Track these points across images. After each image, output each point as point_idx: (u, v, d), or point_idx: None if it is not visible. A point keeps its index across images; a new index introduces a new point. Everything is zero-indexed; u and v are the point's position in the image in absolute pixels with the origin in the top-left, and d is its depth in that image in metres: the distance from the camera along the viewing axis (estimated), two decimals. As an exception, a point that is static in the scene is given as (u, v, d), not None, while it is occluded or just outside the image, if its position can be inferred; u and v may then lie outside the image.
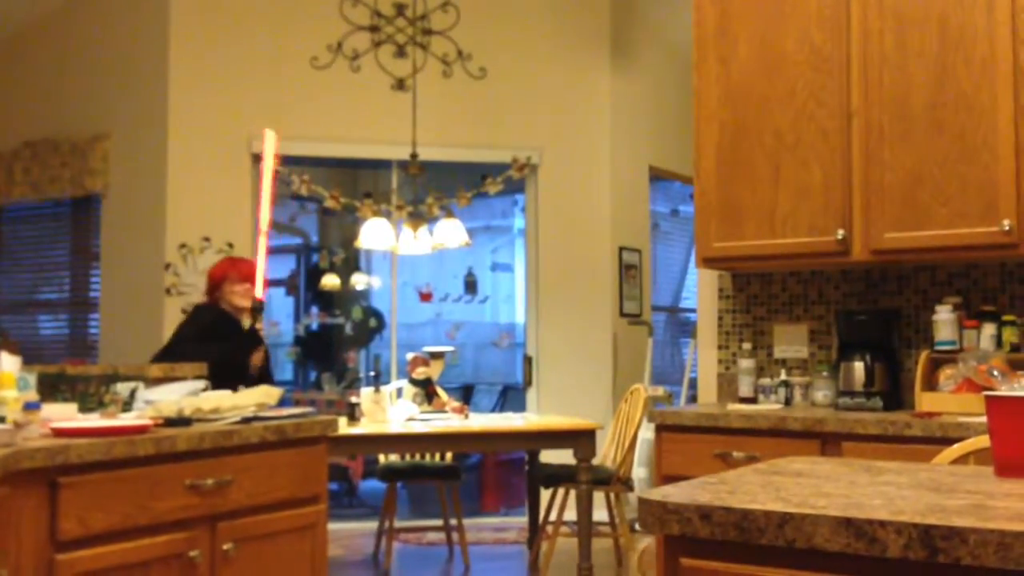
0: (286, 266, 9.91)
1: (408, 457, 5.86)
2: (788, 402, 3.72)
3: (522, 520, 6.58)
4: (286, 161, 6.51)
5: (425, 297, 8.76)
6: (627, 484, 5.33)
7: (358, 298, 9.25)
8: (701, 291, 4.14)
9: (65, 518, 2.32)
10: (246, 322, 4.60)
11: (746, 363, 3.84)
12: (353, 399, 5.06)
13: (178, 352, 4.36)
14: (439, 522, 6.06)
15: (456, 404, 5.45)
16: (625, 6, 7.37)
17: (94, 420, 2.68)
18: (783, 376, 3.76)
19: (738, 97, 3.65)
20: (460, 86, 6.07)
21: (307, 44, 6.02)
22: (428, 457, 5.95)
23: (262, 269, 3.92)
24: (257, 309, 4.46)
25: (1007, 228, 3.12)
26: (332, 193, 6.68)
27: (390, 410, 5.12)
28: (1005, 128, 3.15)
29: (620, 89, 7.28)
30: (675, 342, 8.97)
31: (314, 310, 9.38)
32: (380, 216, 5.86)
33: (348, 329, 8.85)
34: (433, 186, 6.61)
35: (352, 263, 9.20)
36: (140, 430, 2.58)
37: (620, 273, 7.25)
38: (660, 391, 6.91)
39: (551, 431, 5.07)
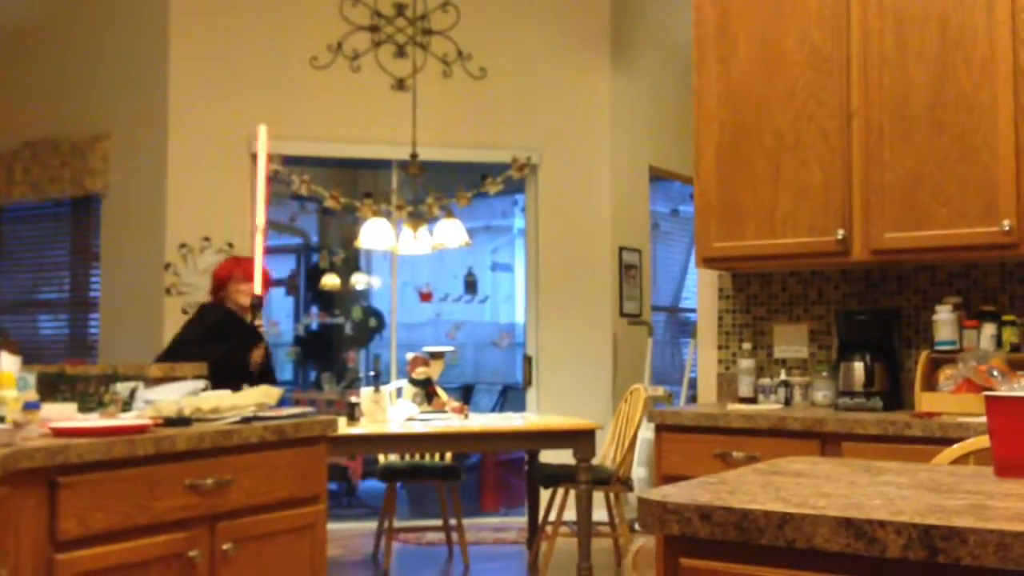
0: (286, 266, 9.91)
1: (408, 457, 5.86)
2: (788, 402, 3.72)
3: (522, 520, 6.58)
4: (287, 161, 6.52)
5: (425, 297, 8.76)
6: (627, 484, 5.33)
7: (358, 298, 9.25)
8: (701, 291, 4.14)
9: (65, 518, 2.32)
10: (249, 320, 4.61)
11: (746, 363, 3.84)
12: (353, 399, 5.06)
13: (182, 352, 4.38)
14: (439, 522, 6.05)
15: (456, 404, 5.45)
16: (625, 6, 7.37)
17: (94, 420, 2.68)
18: (783, 376, 3.76)
19: (738, 97, 3.65)
20: (460, 86, 6.07)
21: (307, 44, 6.02)
22: (428, 457, 5.95)
23: (260, 265, 3.92)
24: (256, 306, 4.46)
25: (1007, 228, 3.12)
26: (332, 193, 6.68)
27: (390, 410, 5.12)
28: (1005, 128, 3.15)
29: (620, 89, 7.28)
30: (675, 342, 8.97)
31: (314, 310, 9.38)
32: (380, 216, 5.86)
33: (348, 329, 8.85)
34: (433, 186, 6.61)
35: (352, 263, 9.20)
36: (140, 430, 2.58)
37: (620, 273, 7.25)
38: (660, 391, 6.91)
39: (551, 431, 5.07)
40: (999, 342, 3.31)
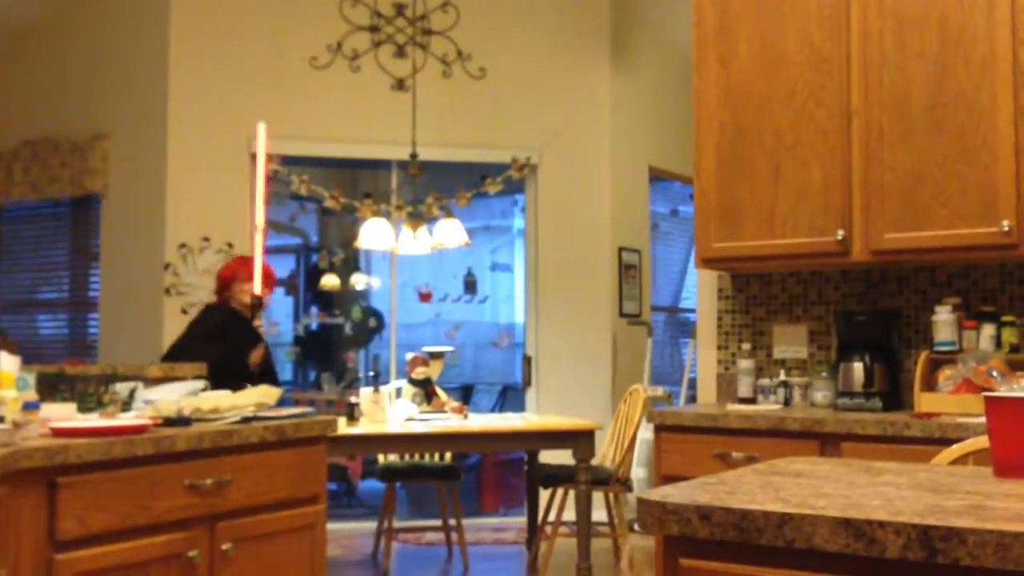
0: (286, 266, 9.91)
1: (407, 457, 5.86)
2: (787, 402, 3.72)
3: (521, 520, 6.58)
4: (286, 161, 6.52)
5: (424, 297, 8.76)
6: (626, 484, 5.33)
7: (358, 298, 9.25)
8: (700, 291, 4.14)
9: (64, 518, 2.32)
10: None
11: (745, 363, 3.84)
12: (352, 399, 5.06)
13: (188, 350, 4.39)
14: (438, 522, 6.05)
15: (455, 404, 5.45)
16: (625, 6, 7.37)
17: (93, 420, 2.68)
18: (782, 376, 3.76)
19: (738, 97, 3.65)
20: (460, 86, 6.07)
21: (307, 44, 6.02)
22: (427, 457, 5.95)
23: (259, 265, 3.93)
24: (256, 306, 4.47)
25: (1007, 229, 3.12)
26: (332, 193, 6.68)
27: (389, 410, 5.12)
28: (1005, 128, 3.15)
29: (620, 89, 7.28)
30: (674, 342, 8.97)
31: (314, 310, 9.38)
32: (380, 216, 5.86)
33: (348, 329, 8.86)
34: (433, 186, 6.61)
35: (352, 263, 9.20)
36: (139, 430, 2.58)
37: (620, 273, 7.25)
38: (659, 391, 6.91)
39: (550, 431, 5.07)
40: (998, 343, 3.31)
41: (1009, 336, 3.30)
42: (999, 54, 3.17)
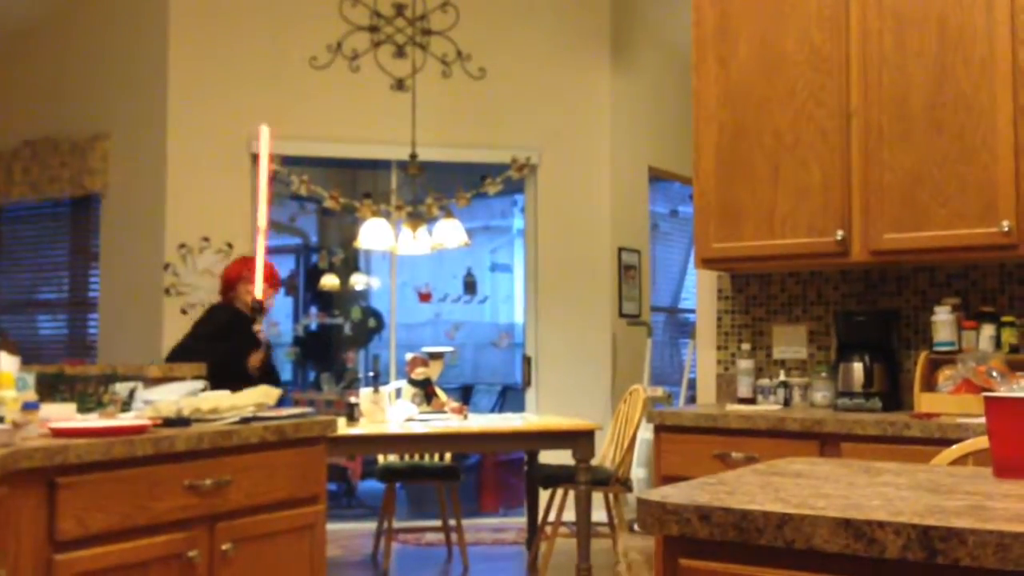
0: (285, 266, 9.91)
1: (407, 457, 5.86)
2: (787, 403, 3.72)
3: (521, 520, 6.58)
4: (286, 161, 6.52)
5: (424, 297, 8.76)
6: (626, 485, 5.32)
7: (357, 298, 9.25)
8: (700, 292, 4.14)
9: (64, 518, 2.32)
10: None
11: (745, 364, 3.84)
12: (352, 399, 5.06)
13: (191, 351, 4.40)
14: (438, 523, 6.05)
15: (455, 404, 5.45)
16: (625, 6, 7.37)
17: (93, 420, 2.68)
18: (782, 377, 3.76)
19: (737, 98, 3.65)
20: (460, 86, 6.07)
21: (306, 44, 6.02)
22: (427, 457, 5.95)
23: (261, 269, 3.93)
24: (257, 310, 4.47)
25: (1006, 229, 3.12)
26: (331, 193, 6.68)
27: (389, 410, 5.12)
28: (1004, 128, 3.15)
29: (620, 89, 7.28)
30: (674, 343, 8.97)
31: (313, 310, 9.38)
32: (379, 216, 5.85)
33: (347, 329, 8.85)
34: (432, 186, 6.61)
35: (351, 263, 9.20)
36: (139, 430, 2.58)
37: (619, 273, 7.25)
38: (659, 391, 6.91)
39: (550, 431, 5.07)
40: (998, 343, 3.31)
41: (1009, 336, 3.30)
42: (999, 54, 3.17)
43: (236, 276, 4.93)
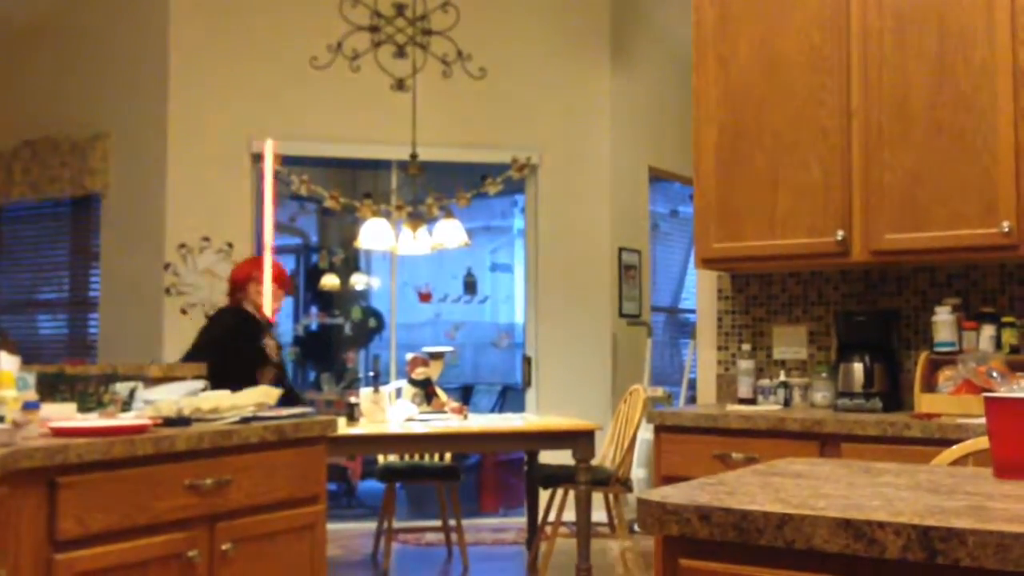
0: (286, 266, 9.88)
1: (407, 457, 5.86)
2: (787, 403, 3.72)
3: (521, 521, 6.58)
4: (286, 161, 6.52)
5: (424, 297, 8.76)
6: (626, 485, 5.32)
7: (357, 298, 9.25)
8: (700, 292, 4.14)
9: (64, 518, 2.32)
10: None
11: (745, 364, 3.84)
12: (352, 399, 5.06)
13: (203, 357, 4.39)
14: (438, 523, 6.05)
15: (455, 404, 5.45)
16: (625, 6, 7.38)
17: (93, 420, 2.68)
18: (782, 377, 3.76)
19: (737, 98, 3.65)
20: (460, 86, 6.07)
21: (307, 44, 6.01)
22: (427, 457, 5.95)
23: (270, 288, 3.91)
24: (266, 326, 4.47)
25: (1006, 229, 3.12)
26: (332, 193, 6.67)
27: (389, 410, 5.12)
28: (1005, 129, 3.15)
29: (620, 89, 7.28)
30: (674, 343, 8.97)
31: (313, 310, 9.38)
32: (380, 216, 5.85)
33: (347, 329, 8.85)
34: (433, 186, 6.60)
35: (352, 263, 9.20)
36: (139, 430, 2.58)
37: (619, 274, 7.25)
38: (659, 392, 6.91)
39: (550, 432, 5.07)
40: (998, 343, 3.30)
41: (1009, 337, 3.30)
42: (999, 54, 3.17)
43: (245, 277, 4.92)
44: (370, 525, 6.37)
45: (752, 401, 3.77)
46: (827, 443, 3.15)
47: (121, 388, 3.04)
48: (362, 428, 4.86)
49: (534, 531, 5.66)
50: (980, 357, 3.20)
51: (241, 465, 2.80)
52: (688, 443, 3.39)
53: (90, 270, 7.17)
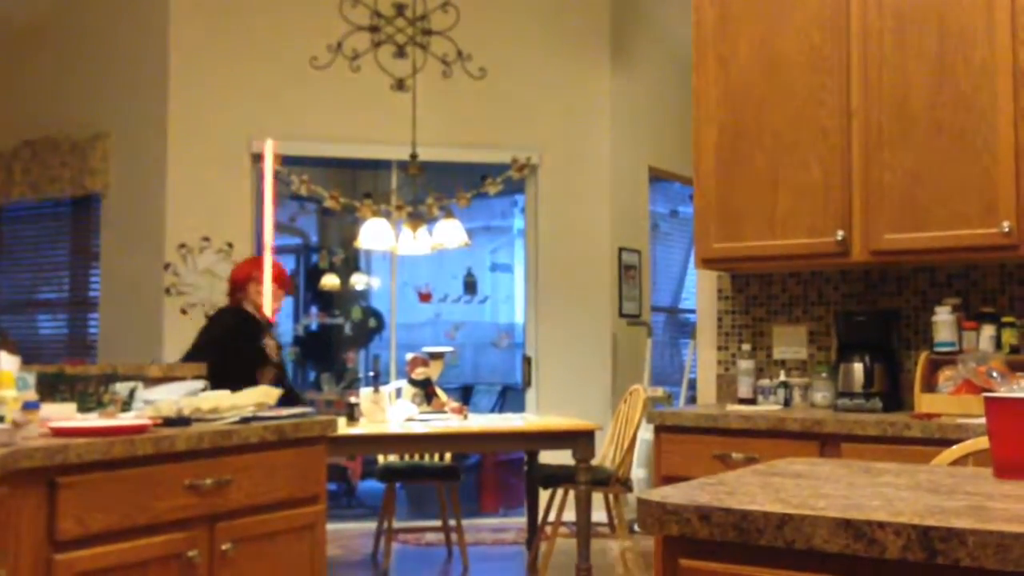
0: (286, 266, 9.88)
1: (407, 457, 5.86)
2: (787, 403, 3.72)
3: (521, 521, 6.58)
4: (286, 161, 6.52)
5: (424, 297, 8.76)
6: (626, 485, 5.32)
7: (357, 298, 9.25)
8: (700, 292, 4.14)
9: (64, 518, 2.32)
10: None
11: (745, 364, 3.84)
12: (352, 399, 5.06)
13: (203, 357, 4.38)
14: (438, 523, 6.05)
15: (455, 404, 5.45)
16: (625, 6, 7.38)
17: (93, 420, 2.68)
18: (782, 377, 3.76)
19: (737, 98, 3.65)
20: (460, 86, 6.07)
21: (307, 44, 6.01)
22: (427, 457, 5.94)
23: (270, 289, 3.91)
24: (266, 327, 4.47)
25: (1007, 230, 3.12)
26: (332, 193, 6.67)
27: (389, 410, 5.12)
28: (1005, 129, 3.15)
29: (620, 89, 7.28)
30: (674, 343, 8.97)
31: (313, 310, 9.38)
32: (380, 216, 5.85)
33: (347, 329, 8.85)
34: (433, 186, 6.60)
35: (352, 263, 9.20)
36: (139, 430, 2.58)
37: (619, 274, 7.25)
38: (659, 392, 6.91)
39: (550, 432, 5.07)
40: (998, 343, 3.30)
41: (1009, 337, 3.30)
42: (999, 54, 3.17)
43: (246, 277, 4.92)
44: (370, 525, 6.37)
45: (752, 401, 3.77)
46: (827, 443, 3.15)
47: (121, 388, 3.04)
48: (362, 428, 4.86)
49: (534, 531, 5.66)
50: (980, 357, 3.20)
51: (241, 465, 2.80)
52: (688, 443, 3.39)
53: (90, 270, 7.17)
